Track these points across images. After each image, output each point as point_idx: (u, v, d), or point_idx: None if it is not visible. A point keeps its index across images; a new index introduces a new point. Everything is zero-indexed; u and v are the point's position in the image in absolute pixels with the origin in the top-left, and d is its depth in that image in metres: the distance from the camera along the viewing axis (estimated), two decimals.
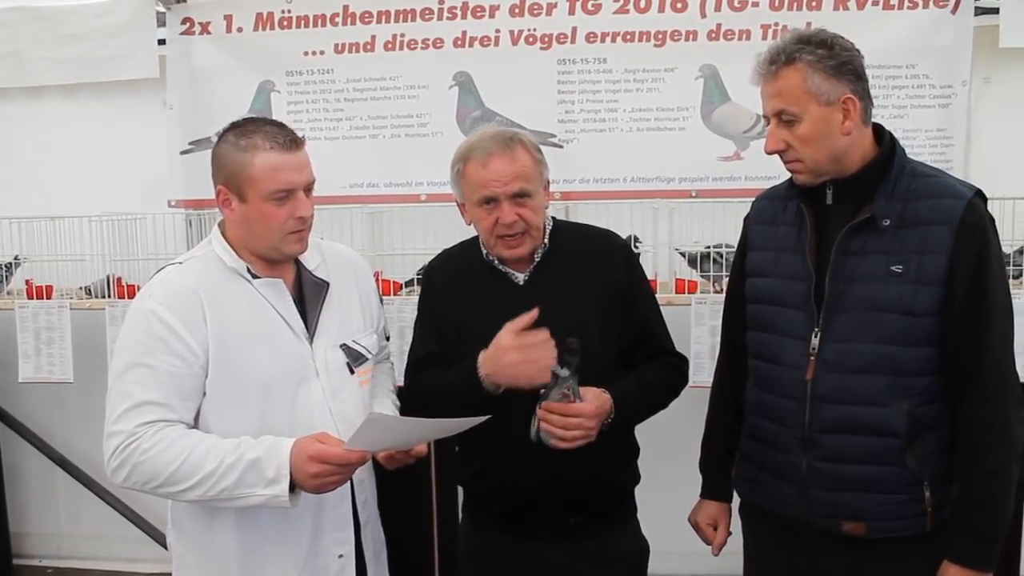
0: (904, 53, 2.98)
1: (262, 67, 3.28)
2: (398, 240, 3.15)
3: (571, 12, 3.12)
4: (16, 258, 3.30)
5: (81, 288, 3.26)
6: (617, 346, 1.89)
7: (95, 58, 3.26)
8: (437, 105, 3.21)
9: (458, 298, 1.92)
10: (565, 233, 1.95)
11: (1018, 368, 1.68)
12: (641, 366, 1.92)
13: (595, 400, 1.76)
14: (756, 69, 1.70)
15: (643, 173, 3.16)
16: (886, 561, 1.70)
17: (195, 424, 1.67)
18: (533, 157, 1.85)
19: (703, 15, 3.06)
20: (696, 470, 2.02)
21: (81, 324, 3.20)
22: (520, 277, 1.90)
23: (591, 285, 1.88)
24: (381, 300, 2.00)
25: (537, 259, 1.89)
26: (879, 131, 1.73)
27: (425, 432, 1.76)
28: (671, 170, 3.14)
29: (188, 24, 3.29)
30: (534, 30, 3.14)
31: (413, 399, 1.94)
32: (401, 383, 2.03)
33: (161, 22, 3.28)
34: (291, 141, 1.68)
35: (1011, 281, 2.56)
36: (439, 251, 2.07)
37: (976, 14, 2.97)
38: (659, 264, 3.00)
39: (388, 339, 2.06)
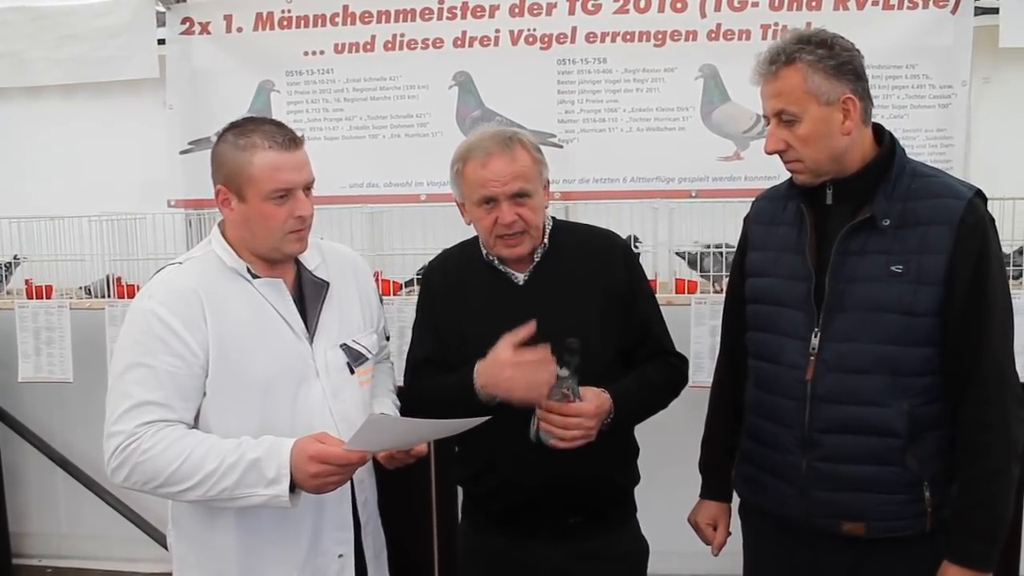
0: (904, 53, 2.98)
1: (262, 67, 3.28)
2: (398, 240, 3.15)
3: (571, 12, 3.12)
4: (16, 258, 3.30)
5: (81, 288, 3.26)
6: (617, 346, 1.89)
7: (95, 58, 3.26)
8: (437, 105, 3.21)
9: (458, 298, 1.92)
10: (565, 233, 1.95)
11: (1018, 368, 1.68)
12: (641, 366, 1.92)
13: (595, 400, 1.76)
14: (756, 69, 1.70)
15: (643, 173, 3.16)
16: (886, 561, 1.70)
17: (195, 424, 1.67)
18: (533, 157, 1.85)
19: (703, 15, 3.06)
20: (696, 470, 2.02)
21: (81, 324, 3.20)
22: (520, 277, 1.89)
23: (591, 285, 1.88)
24: (381, 300, 2.00)
25: (537, 259, 1.89)
26: (879, 131, 1.73)
27: (426, 432, 1.76)
28: (671, 170, 3.14)
29: (188, 24, 3.29)
30: (534, 30, 3.14)
31: (412, 403, 1.94)
32: (401, 383, 2.03)
33: (161, 22, 3.28)
34: (290, 140, 1.68)
35: (1011, 281, 2.56)
36: (439, 251, 2.07)
37: (976, 14, 2.97)
38: (659, 264, 3.00)
39: (388, 339, 2.06)
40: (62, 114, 3.65)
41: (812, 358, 1.70)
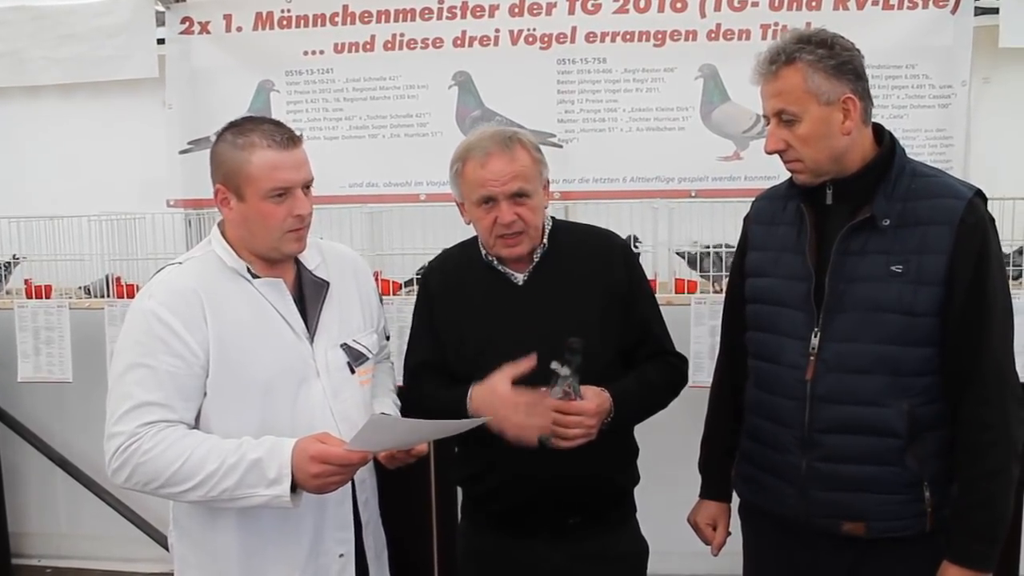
0: (904, 53, 2.98)
1: (261, 67, 3.28)
2: (397, 240, 3.14)
3: (571, 12, 3.12)
4: (15, 257, 3.30)
5: (80, 288, 3.26)
6: (617, 346, 1.89)
7: (94, 57, 3.26)
8: (437, 105, 3.21)
9: (457, 298, 1.92)
10: (564, 233, 1.95)
11: (1018, 368, 1.68)
12: (641, 366, 1.92)
13: (595, 399, 1.76)
14: (756, 69, 1.70)
15: (643, 173, 3.16)
16: (886, 561, 1.70)
17: (196, 424, 1.67)
18: (532, 157, 1.85)
19: (703, 15, 3.06)
20: (696, 470, 2.02)
21: (80, 324, 3.20)
22: (519, 277, 1.89)
23: (590, 285, 1.88)
24: (381, 300, 2.00)
25: (536, 259, 1.89)
26: (879, 131, 1.73)
27: (427, 433, 1.76)
28: (671, 170, 3.14)
29: (187, 24, 3.29)
30: (534, 30, 3.14)
31: (410, 408, 1.93)
32: (401, 383, 2.03)
33: (160, 21, 3.28)
34: (288, 139, 1.68)
35: (1011, 281, 2.56)
36: (439, 251, 2.07)
37: (976, 14, 2.97)
38: (659, 264, 3.00)
39: (388, 338, 2.06)
40: (61, 114, 3.65)
41: (812, 358, 1.70)
